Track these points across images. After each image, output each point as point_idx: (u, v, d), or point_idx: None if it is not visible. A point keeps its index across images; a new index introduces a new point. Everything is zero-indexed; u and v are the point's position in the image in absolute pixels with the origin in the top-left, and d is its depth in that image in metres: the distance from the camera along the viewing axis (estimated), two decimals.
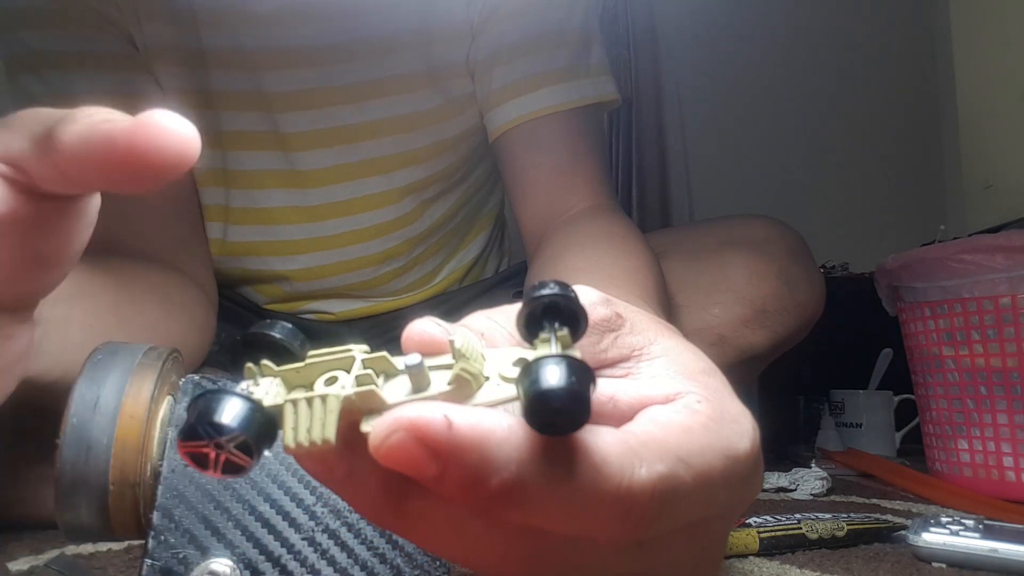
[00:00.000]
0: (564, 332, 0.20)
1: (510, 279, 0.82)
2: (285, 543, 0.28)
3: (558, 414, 0.16)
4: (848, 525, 0.59)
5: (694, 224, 1.27)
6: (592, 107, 0.69)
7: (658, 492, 0.18)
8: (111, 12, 0.62)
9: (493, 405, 0.19)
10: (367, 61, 0.66)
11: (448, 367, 0.19)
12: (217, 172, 0.69)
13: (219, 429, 0.17)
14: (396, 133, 0.70)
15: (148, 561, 0.26)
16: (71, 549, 0.48)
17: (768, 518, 0.60)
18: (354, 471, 0.19)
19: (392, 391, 0.19)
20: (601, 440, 0.18)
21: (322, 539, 0.28)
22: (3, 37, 0.63)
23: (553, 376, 0.16)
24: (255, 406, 0.18)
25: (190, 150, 0.20)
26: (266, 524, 0.28)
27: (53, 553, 0.46)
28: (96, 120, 0.20)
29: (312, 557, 0.28)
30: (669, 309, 0.53)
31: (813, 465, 0.88)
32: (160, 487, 0.27)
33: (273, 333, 0.20)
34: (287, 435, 0.18)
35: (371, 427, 0.18)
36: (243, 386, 0.19)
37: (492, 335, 0.22)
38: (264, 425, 0.18)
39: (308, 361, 0.20)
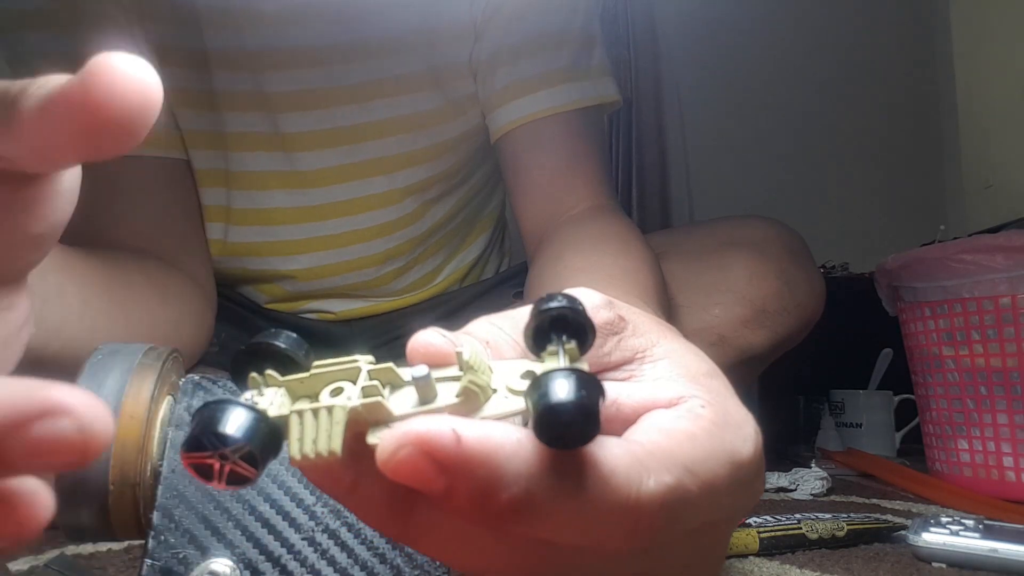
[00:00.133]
0: (572, 345, 0.20)
1: (510, 279, 0.82)
2: (285, 543, 0.28)
3: (568, 428, 0.16)
4: (848, 525, 0.59)
5: (694, 224, 1.27)
6: (593, 108, 0.69)
7: (666, 503, 0.18)
8: (113, 13, 0.62)
9: (501, 418, 0.19)
10: (369, 62, 0.66)
11: (455, 379, 0.19)
12: (218, 172, 0.69)
13: (224, 440, 0.17)
14: (398, 134, 0.70)
15: (148, 561, 0.26)
16: (71, 549, 0.48)
17: (768, 518, 0.60)
18: (360, 482, 0.19)
19: (398, 402, 0.19)
20: (609, 452, 0.18)
21: (322, 539, 0.28)
22: (5, 37, 0.63)
23: (563, 390, 0.16)
24: (260, 416, 0.18)
25: (150, 90, 0.17)
26: (266, 524, 0.28)
27: (53, 553, 0.46)
28: (51, 83, 0.18)
29: (312, 557, 0.28)
30: (669, 309, 0.53)
31: (813, 465, 0.88)
32: (160, 487, 0.27)
33: (277, 343, 0.20)
34: (293, 447, 0.18)
35: (378, 439, 0.18)
36: (247, 396, 0.19)
37: (497, 343, 0.22)
38: (269, 436, 0.18)
39: (313, 371, 0.19)
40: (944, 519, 0.57)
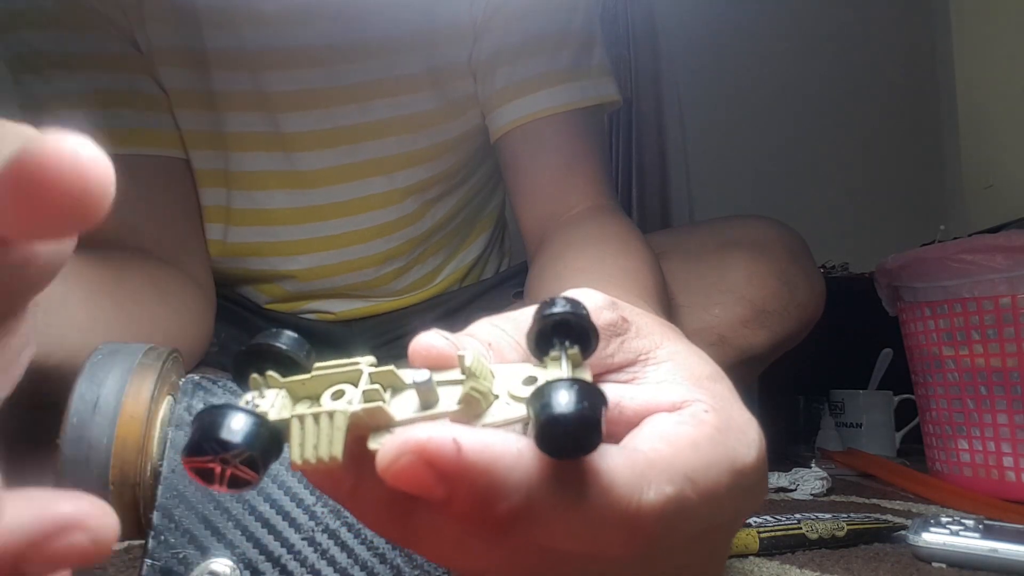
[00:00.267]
0: (575, 350, 0.19)
1: (511, 279, 0.82)
2: (285, 543, 0.28)
3: (569, 440, 0.16)
4: (848, 525, 0.59)
5: (694, 225, 1.27)
6: (593, 108, 0.69)
7: (665, 513, 0.18)
8: (113, 13, 0.62)
9: (502, 425, 0.19)
10: (369, 62, 0.66)
11: (456, 382, 0.19)
12: (218, 173, 0.69)
13: (224, 445, 0.17)
14: (398, 134, 0.70)
15: (148, 561, 0.26)
16: None
17: (768, 518, 0.60)
18: (360, 485, 0.19)
19: (400, 407, 0.19)
20: (610, 461, 0.18)
21: (322, 539, 0.28)
22: (5, 37, 0.63)
23: (565, 401, 0.16)
24: (260, 421, 0.18)
25: (96, 175, 0.14)
26: (266, 524, 0.28)
27: None
28: None
29: (312, 557, 0.28)
30: (670, 309, 0.53)
31: (813, 465, 0.88)
32: (160, 487, 0.27)
33: (279, 343, 0.20)
34: (294, 452, 0.18)
35: (379, 444, 0.18)
36: (248, 398, 0.19)
37: (499, 345, 0.22)
38: (269, 440, 0.18)
39: (314, 373, 0.19)
40: (944, 519, 0.57)
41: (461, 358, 0.19)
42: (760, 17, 2.03)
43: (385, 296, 0.78)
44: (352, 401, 0.18)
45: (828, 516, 0.60)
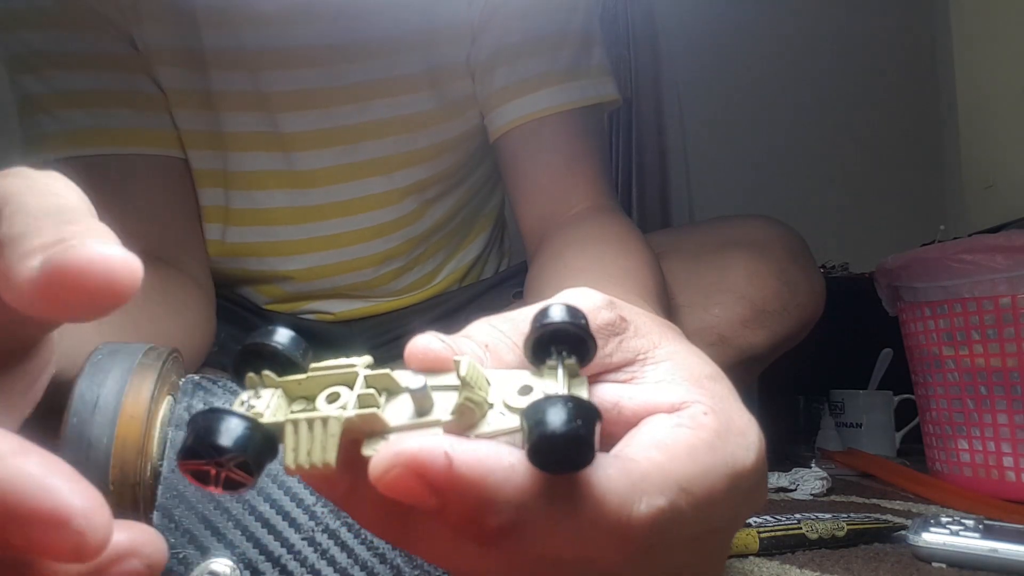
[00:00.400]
0: (572, 360, 0.19)
1: (510, 279, 0.82)
2: (285, 543, 0.28)
3: (562, 457, 0.17)
4: (848, 525, 0.59)
5: (694, 224, 1.27)
6: (593, 108, 0.69)
7: (657, 524, 0.18)
8: (111, 12, 0.62)
9: (496, 435, 0.19)
10: (368, 62, 0.66)
11: (452, 388, 0.19)
12: (217, 173, 0.69)
13: (218, 450, 0.17)
14: (397, 134, 0.70)
15: None
16: None
17: (768, 518, 0.60)
18: (356, 488, 0.19)
19: (394, 412, 0.19)
20: (603, 473, 0.18)
21: (322, 539, 0.28)
22: (3, 37, 0.62)
23: (558, 419, 0.16)
24: (254, 425, 0.18)
25: (133, 271, 0.17)
26: (266, 524, 0.28)
27: None
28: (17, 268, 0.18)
29: (312, 557, 0.28)
30: (669, 309, 0.53)
31: (813, 465, 0.88)
32: (160, 487, 0.27)
33: (275, 342, 0.20)
34: (288, 456, 0.18)
35: (372, 451, 0.18)
36: (244, 398, 0.19)
37: (496, 347, 0.22)
38: (263, 444, 0.18)
39: (310, 374, 0.19)
40: (944, 519, 0.57)
41: (457, 364, 0.19)
42: (760, 17, 2.03)
43: (384, 296, 0.78)
44: (347, 405, 0.18)
45: (828, 516, 0.60)
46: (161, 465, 0.27)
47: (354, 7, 0.64)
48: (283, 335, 0.20)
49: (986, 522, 0.58)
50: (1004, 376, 0.83)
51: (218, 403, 0.29)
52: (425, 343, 0.20)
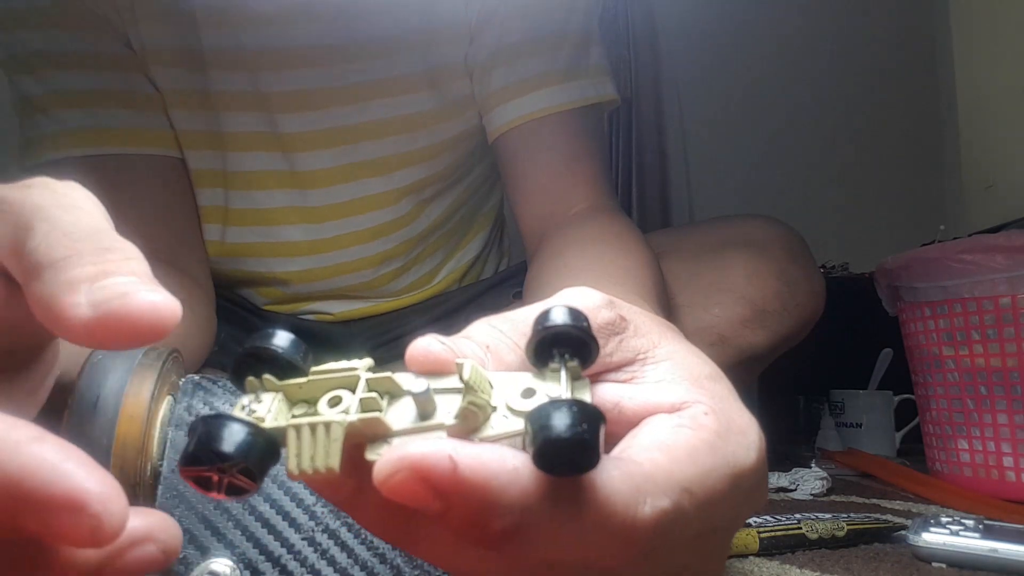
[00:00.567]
0: (575, 363, 0.19)
1: (510, 279, 0.82)
2: (285, 543, 0.28)
3: (567, 461, 0.17)
4: (848, 525, 0.59)
5: (694, 224, 1.27)
6: (592, 107, 0.69)
7: (660, 525, 0.18)
8: (107, 12, 0.62)
9: (500, 439, 0.19)
10: (367, 62, 0.66)
11: (454, 390, 0.19)
12: (216, 173, 0.69)
13: (220, 456, 0.17)
14: (396, 134, 0.69)
15: None
16: None
17: (768, 518, 0.60)
18: (360, 491, 0.19)
19: (397, 415, 0.19)
20: (607, 476, 0.18)
21: (322, 539, 0.28)
22: (0, 37, 0.62)
23: (563, 424, 0.16)
24: (256, 430, 0.18)
25: (174, 313, 0.19)
26: (266, 524, 0.28)
27: None
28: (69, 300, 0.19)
29: (312, 557, 0.28)
30: (669, 309, 0.53)
31: (813, 465, 0.88)
32: (160, 487, 0.27)
33: (275, 346, 0.20)
34: (291, 462, 0.18)
35: (376, 455, 0.18)
36: (244, 402, 0.19)
37: (497, 347, 0.22)
38: (265, 449, 0.18)
39: (311, 377, 0.19)
40: (944, 519, 0.57)
41: (460, 367, 0.19)
42: (760, 17, 2.03)
43: (384, 297, 0.78)
44: (349, 410, 0.18)
45: (828, 516, 0.60)
46: (161, 465, 0.27)
47: (353, 7, 0.64)
48: (283, 338, 0.20)
49: (986, 522, 0.58)
50: (1004, 376, 0.83)
51: (218, 403, 0.29)
52: (425, 346, 0.20)
